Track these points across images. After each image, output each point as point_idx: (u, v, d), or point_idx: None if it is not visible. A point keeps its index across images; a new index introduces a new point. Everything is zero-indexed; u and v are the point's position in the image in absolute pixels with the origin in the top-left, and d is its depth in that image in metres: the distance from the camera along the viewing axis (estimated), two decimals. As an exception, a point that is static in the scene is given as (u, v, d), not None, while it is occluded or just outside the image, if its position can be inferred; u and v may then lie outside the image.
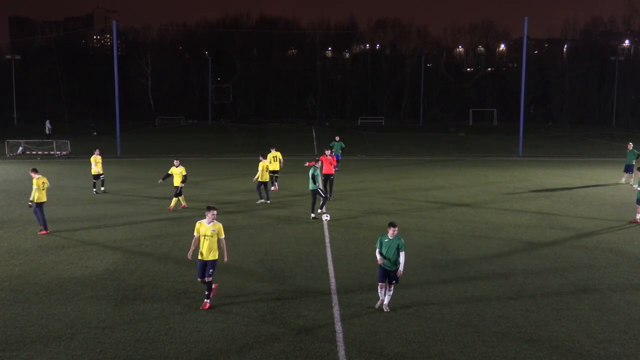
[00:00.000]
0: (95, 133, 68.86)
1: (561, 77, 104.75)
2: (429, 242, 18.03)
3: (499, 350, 10.56)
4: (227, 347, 10.64)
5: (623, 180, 31.12)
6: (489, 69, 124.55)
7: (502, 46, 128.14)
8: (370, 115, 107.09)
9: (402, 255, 12.23)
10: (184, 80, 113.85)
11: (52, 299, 12.97)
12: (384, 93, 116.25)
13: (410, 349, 10.54)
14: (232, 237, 18.52)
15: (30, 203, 19.31)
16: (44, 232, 19.20)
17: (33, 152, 46.82)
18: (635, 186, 21.12)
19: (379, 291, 12.40)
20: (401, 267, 12.25)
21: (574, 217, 22.11)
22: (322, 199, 21.91)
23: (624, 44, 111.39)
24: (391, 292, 12.34)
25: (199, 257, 12.48)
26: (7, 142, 47.15)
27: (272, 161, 28.70)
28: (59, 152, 46.28)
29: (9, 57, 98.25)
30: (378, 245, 12.38)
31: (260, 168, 24.51)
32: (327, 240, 18.28)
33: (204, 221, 12.53)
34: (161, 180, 24.18)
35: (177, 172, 23.05)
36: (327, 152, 25.43)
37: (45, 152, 46.77)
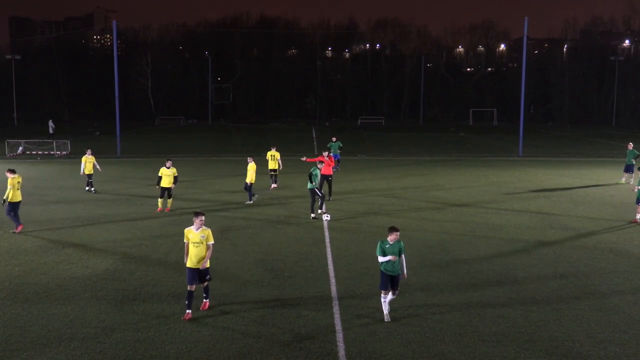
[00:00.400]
0: (97, 133, 69.00)
1: (561, 77, 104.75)
2: (429, 242, 18.03)
3: (499, 350, 10.56)
4: (227, 347, 10.64)
5: (623, 180, 31.12)
6: (489, 69, 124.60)
7: (502, 46, 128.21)
8: (370, 115, 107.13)
9: (403, 258, 11.92)
10: (184, 80, 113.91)
11: (52, 299, 12.97)
12: (384, 93, 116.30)
13: (410, 349, 10.54)
14: (232, 237, 18.55)
15: (2, 201, 19.33)
16: (19, 228, 19.28)
17: (33, 152, 46.82)
18: (637, 187, 21.13)
19: (382, 300, 11.92)
20: (405, 271, 12.03)
21: (574, 217, 22.11)
22: (319, 199, 21.84)
23: (624, 44, 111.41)
24: (393, 298, 12.02)
25: (189, 265, 12.00)
26: (7, 142, 47.17)
27: (270, 160, 28.86)
28: (59, 152, 46.28)
29: (9, 57, 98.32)
30: (379, 252, 11.73)
31: (250, 170, 24.55)
32: (327, 240, 18.28)
33: (192, 228, 12.09)
34: (158, 186, 23.08)
35: (169, 173, 22.51)
36: (325, 154, 25.36)
37: (45, 152, 46.76)
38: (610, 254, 16.85)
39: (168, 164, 22.78)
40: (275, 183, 29.01)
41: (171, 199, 23.04)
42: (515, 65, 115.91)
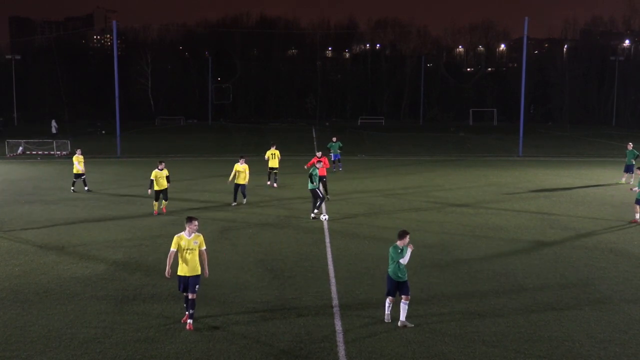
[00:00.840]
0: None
1: (561, 77, 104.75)
2: (429, 242, 18.03)
3: (499, 350, 10.56)
4: (226, 347, 10.64)
5: (623, 180, 31.12)
6: (489, 69, 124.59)
7: (502, 46, 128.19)
8: (370, 115, 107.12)
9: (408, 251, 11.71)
10: (184, 80, 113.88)
11: (52, 299, 12.97)
12: (384, 93, 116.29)
13: (410, 349, 10.54)
14: (232, 237, 18.55)
15: None
16: None
17: (33, 152, 46.82)
18: (636, 188, 21.15)
19: (386, 306, 11.70)
20: (407, 257, 11.67)
21: (574, 217, 22.11)
22: (319, 199, 21.65)
23: (624, 44, 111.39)
24: (406, 306, 11.53)
25: (180, 273, 11.43)
26: (7, 142, 47.17)
27: (270, 158, 28.99)
28: (59, 152, 46.28)
29: (9, 57, 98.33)
30: (398, 256, 11.50)
31: (234, 170, 23.87)
32: (327, 240, 18.28)
33: (184, 234, 11.47)
34: (150, 190, 22.06)
35: (163, 175, 21.91)
36: (319, 154, 25.42)
37: (46, 152, 46.77)
38: (610, 254, 16.85)
39: (161, 166, 22.13)
40: (276, 182, 29.09)
41: (166, 201, 22.43)
42: (515, 65, 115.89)
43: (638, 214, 21.02)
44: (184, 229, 11.67)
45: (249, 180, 24.33)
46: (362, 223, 20.83)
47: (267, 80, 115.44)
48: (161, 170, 22.02)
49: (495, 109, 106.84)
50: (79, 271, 15.03)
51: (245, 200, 23.98)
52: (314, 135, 66.77)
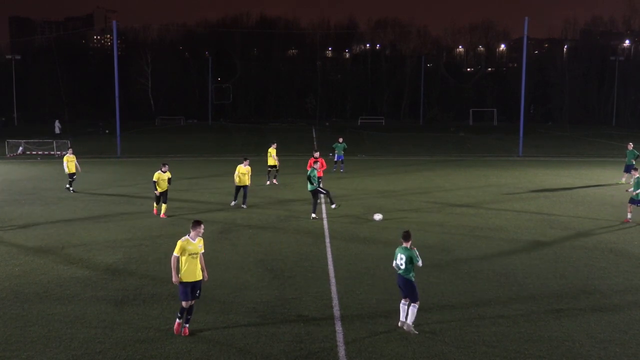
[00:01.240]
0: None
1: (561, 77, 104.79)
2: (429, 242, 18.02)
3: (499, 350, 10.56)
4: (227, 347, 10.64)
5: (623, 180, 31.12)
6: (489, 69, 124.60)
7: (502, 46, 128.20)
8: (370, 115, 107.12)
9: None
10: (184, 80, 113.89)
11: (52, 299, 12.97)
12: (384, 93, 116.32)
13: (410, 349, 10.54)
14: (232, 237, 18.55)
15: None
16: None
17: (33, 152, 46.82)
18: (631, 189, 21.19)
19: (401, 303, 11.50)
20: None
21: (574, 217, 22.11)
22: (325, 195, 21.70)
23: (624, 44, 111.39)
24: (414, 312, 11.29)
25: (187, 280, 11.01)
26: (8, 142, 47.18)
27: (269, 156, 29.37)
28: (59, 152, 46.28)
29: (9, 57, 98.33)
30: (416, 259, 11.29)
31: (236, 172, 23.38)
32: (327, 240, 18.28)
33: (189, 238, 11.11)
34: (157, 191, 21.60)
35: (165, 178, 21.46)
36: (316, 155, 25.40)
37: (46, 152, 46.77)
38: (610, 254, 16.85)
39: (164, 168, 21.63)
40: (275, 179, 29.37)
41: (165, 205, 21.70)
42: (515, 65, 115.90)
43: (630, 214, 21.13)
44: (184, 230, 11.64)
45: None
46: (362, 223, 20.83)
47: (267, 80, 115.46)
48: (164, 172, 21.58)
49: (495, 109, 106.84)
50: (79, 271, 15.03)
51: (245, 204, 23.45)
52: (314, 135, 66.79)
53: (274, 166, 29.52)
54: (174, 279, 11.10)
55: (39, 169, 37.24)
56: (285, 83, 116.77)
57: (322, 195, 21.75)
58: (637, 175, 21.28)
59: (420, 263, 11.35)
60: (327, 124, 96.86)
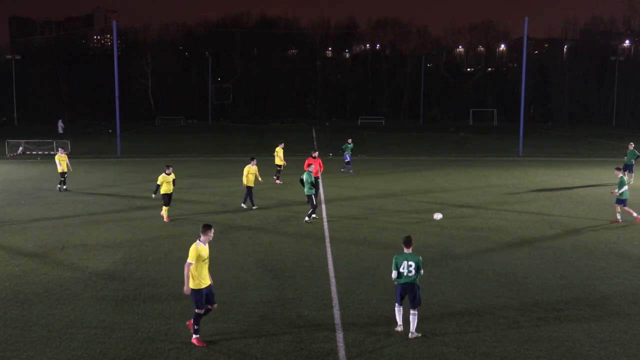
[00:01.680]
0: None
1: (561, 77, 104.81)
2: (429, 242, 18.02)
3: (499, 350, 10.55)
4: (227, 347, 10.64)
5: (625, 179, 31.09)
6: (489, 69, 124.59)
7: (502, 46, 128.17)
8: (371, 115, 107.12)
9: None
10: (184, 80, 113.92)
11: (52, 299, 12.97)
12: (384, 93, 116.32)
13: (410, 349, 10.54)
14: (232, 237, 18.54)
15: None
16: None
17: (33, 152, 46.81)
18: (616, 191, 21.25)
19: (396, 308, 11.32)
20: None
21: (574, 217, 22.10)
22: (311, 205, 21.01)
23: (624, 44, 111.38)
24: (415, 318, 11.07)
25: (203, 286, 10.71)
26: (8, 142, 47.18)
27: (276, 156, 30.09)
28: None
29: (9, 57, 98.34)
30: (423, 264, 11.20)
31: (245, 172, 23.15)
32: (327, 240, 18.27)
33: (202, 244, 10.79)
34: (155, 195, 21.50)
35: (170, 180, 21.00)
36: (314, 154, 25.16)
37: (45, 152, 46.75)
38: (611, 254, 16.85)
39: (168, 170, 21.08)
40: (278, 179, 29.81)
41: (167, 207, 21.14)
42: (516, 65, 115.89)
43: (619, 214, 21.22)
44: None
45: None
46: (362, 223, 20.82)
47: (267, 80, 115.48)
48: (168, 174, 21.03)
49: (495, 109, 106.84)
50: (78, 271, 15.03)
51: (245, 205, 23.42)
52: (314, 136, 66.75)
53: (280, 166, 30.05)
54: (185, 289, 10.70)
55: (39, 169, 37.24)
56: (285, 83, 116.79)
57: (314, 198, 21.14)
58: (621, 175, 21.38)
59: (422, 271, 11.23)
60: (327, 124, 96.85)
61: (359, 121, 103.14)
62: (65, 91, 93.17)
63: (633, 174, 30.93)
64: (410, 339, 10.93)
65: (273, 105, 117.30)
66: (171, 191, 21.23)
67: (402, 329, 11.19)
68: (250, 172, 23.10)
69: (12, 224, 20.55)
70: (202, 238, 10.83)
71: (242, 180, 23.42)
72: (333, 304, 12.68)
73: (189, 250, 10.74)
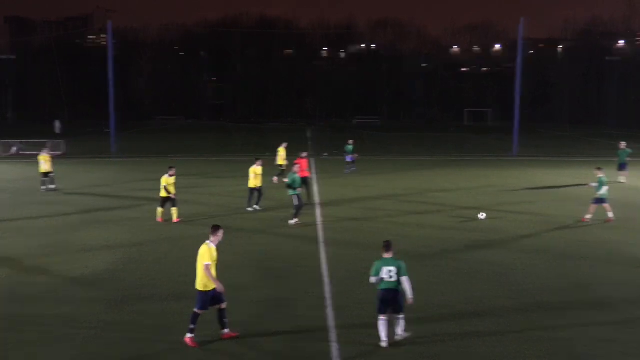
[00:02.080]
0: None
1: (561, 77, 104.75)
2: (428, 242, 18.01)
3: (499, 350, 10.54)
4: (224, 347, 10.63)
5: (623, 179, 31.16)
6: (489, 68, 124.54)
7: (497, 46, 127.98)
8: (371, 115, 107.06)
9: (405, 280, 10.70)
10: (183, 80, 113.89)
11: (51, 300, 12.94)
12: (383, 93, 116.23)
13: (409, 350, 10.52)
14: (230, 238, 18.50)
15: None
16: None
17: (27, 153, 46.52)
18: (593, 184, 21.32)
19: (380, 320, 10.76)
20: (409, 294, 10.75)
21: (574, 217, 22.08)
22: (295, 208, 20.49)
23: (624, 44, 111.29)
24: (402, 327, 10.79)
25: (208, 288, 10.68)
26: (1, 141, 47.08)
27: (278, 155, 30.10)
28: (53, 152, 46.05)
29: (4, 57, 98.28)
30: (405, 268, 10.74)
31: (252, 174, 22.79)
32: (325, 241, 18.25)
33: (212, 245, 10.74)
34: (167, 195, 20.61)
35: (172, 182, 20.51)
36: (303, 155, 25.07)
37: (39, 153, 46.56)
38: (611, 254, 16.83)
39: (171, 172, 20.64)
40: (279, 179, 29.67)
41: (176, 208, 20.71)
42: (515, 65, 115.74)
43: (590, 215, 21.12)
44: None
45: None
46: (361, 224, 20.80)
47: (267, 80, 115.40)
48: (171, 176, 20.57)
49: (490, 109, 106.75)
50: (78, 271, 15.01)
51: (249, 207, 23.25)
52: (308, 136, 66.02)
53: (282, 165, 29.96)
54: (218, 287, 10.63)
55: (36, 169, 37.11)
56: (284, 83, 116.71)
57: (297, 200, 20.66)
58: (601, 175, 21.36)
59: (407, 277, 10.64)
60: (322, 124, 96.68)
61: (355, 121, 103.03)
62: (65, 91, 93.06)
63: (627, 173, 31.08)
64: (398, 341, 10.64)
65: (273, 105, 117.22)
66: (174, 192, 20.66)
67: (387, 344, 10.55)
68: (257, 173, 22.76)
69: (11, 225, 20.52)
70: (211, 239, 10.78)
71: (247, 182, 22.91)
72: (329, 305, 12.66)
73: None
